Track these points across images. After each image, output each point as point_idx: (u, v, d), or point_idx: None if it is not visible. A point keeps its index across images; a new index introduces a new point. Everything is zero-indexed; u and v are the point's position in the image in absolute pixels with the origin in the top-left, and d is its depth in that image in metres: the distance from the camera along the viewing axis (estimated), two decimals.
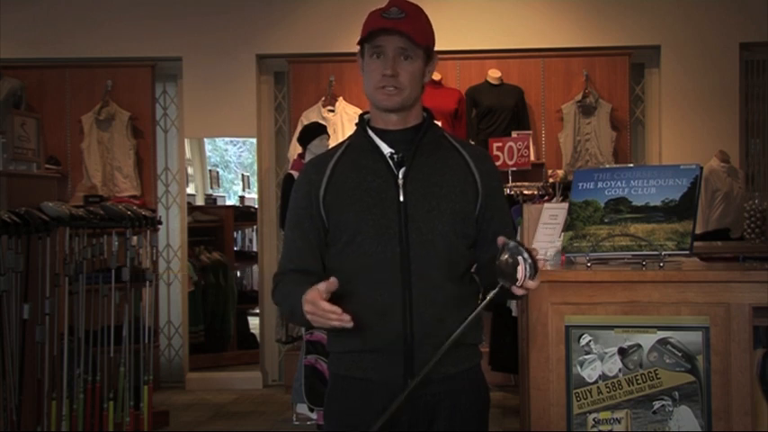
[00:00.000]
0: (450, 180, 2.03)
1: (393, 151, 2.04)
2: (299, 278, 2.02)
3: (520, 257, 1.80)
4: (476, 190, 2.04)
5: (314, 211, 2.05)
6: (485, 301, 1.89)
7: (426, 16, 2.05)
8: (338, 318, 1.84)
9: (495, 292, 1.87)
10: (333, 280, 1.87)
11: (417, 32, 1.98)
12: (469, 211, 2.03)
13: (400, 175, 2.01)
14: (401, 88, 2.00)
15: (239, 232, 8.03)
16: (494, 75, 6.55)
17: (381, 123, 2.07)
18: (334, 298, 2.05)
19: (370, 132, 2.08)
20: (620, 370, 2.58)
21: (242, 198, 8.60)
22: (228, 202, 8.42)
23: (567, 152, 6.57)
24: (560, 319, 2.61)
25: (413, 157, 2.03)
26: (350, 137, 2.15)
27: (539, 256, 1.84)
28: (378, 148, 2.05)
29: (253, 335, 7.41)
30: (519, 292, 1.84)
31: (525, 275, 1.80)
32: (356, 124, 2.14)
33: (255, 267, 7.47)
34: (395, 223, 1.99)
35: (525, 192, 5.74)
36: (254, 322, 7.46)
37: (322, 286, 1.86)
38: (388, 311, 1.97)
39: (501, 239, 1.85)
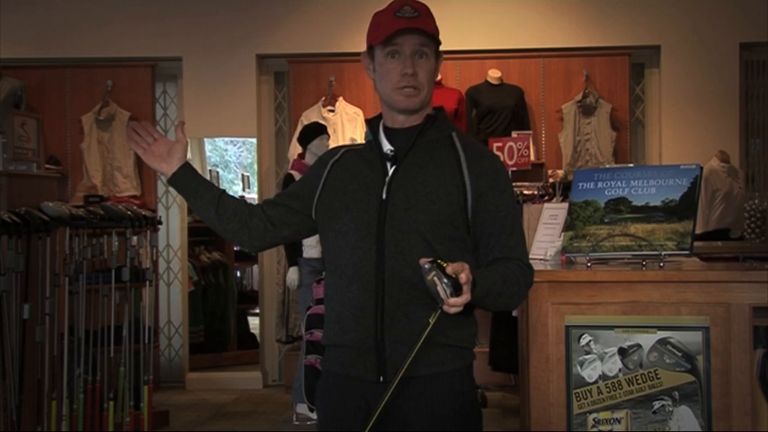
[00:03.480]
0: (435, 180, 2.00)
1: (391, 149, 2.04)
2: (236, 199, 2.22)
3: (436, 278, 1.78)
4: (463, 191, 2.00)
5: (312, 183, 2.12)
6: (429, 327, 1.84)
7: (433, 14, 2.06)
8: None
9: (436, 314, 1.83)
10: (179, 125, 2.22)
11: (433, 29, 2.00)
12: (452, 213, 1.99)
13: (389, 173, 2.02)
14: (419, 88, 2.00)
15: None
16: (494, 75, 6.55)
17: (390, 122, 2.08)
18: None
19: (380, 130, 2.09)
20: (620, 370, 2.57)
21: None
22: None
23: (567, 152, 6.57)
24: (560, 319, 2.61)
25: (405, 155, 2.03)
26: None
27: (462, 274, 1.78)
28: (380, 144, 2.07)
29: (253, 335, 7.42)
30: (451, 310, 1.80)
31: (447, 294, 1.78)
32: (369, 121, 2.15)
33: (255, 267, 7.47)
34: (374, 220, 1.99)
35: (525, 192, 5.74)
36: (254, 322, 7.47)
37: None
38: (361, 309, 1.98)
39: (422, 261, 1.83)
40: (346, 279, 2.00)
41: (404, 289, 1.96)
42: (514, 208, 2.10)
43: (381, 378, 1.97)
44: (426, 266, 1.80)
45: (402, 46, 1.99)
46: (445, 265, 1.79)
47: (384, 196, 1.99)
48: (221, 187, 2.48)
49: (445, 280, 1.77)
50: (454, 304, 1.79)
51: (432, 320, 1.84)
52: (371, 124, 2.12)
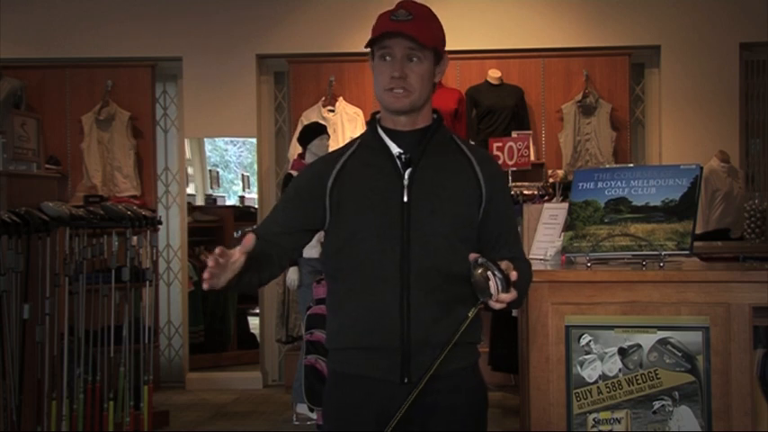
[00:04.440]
0: (454, 182, 2.03)
1: (402, 152, 2.04)
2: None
3: (490, 273, 1.81)
4: (479, 194, 2.04)
5: (314, 196, 2.06)
6: (468, 320, 1.89)
7: (435, 17, 2.05)
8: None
9: (475, 308, 1.88)
10: (250, 236, 1.81)
11: (423, 34, 1.98)
12: (472, 215, 2.04)
13: (406, 176, 2.02)
14: (410, 90, 2.00)
15: (239, 232, 8.02)
16: (494, 75, 6.55)
17: (391, 124, 2.07)
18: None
19: (381, 132, 2.08)
20: (620, 370, 2.57)
21: (242, 198, 8.59)
22: (228, 202, 8.41)
23: (567, 152, 6.57)
24: (560, 319, 2.61)
25: (419, 158, 2.03)
26: (361, 135, 2.15)
27: (512, 271, 1.83)
28: (387, 147, 2.06)
29: (253, 335, 7.41)
30: (496, 306, 1.83)
31: (498, 289, 1.81)
32: (367, 123, 2.14)
33: None
34: (397, 223, 1.99)
35: (525, 192, 5.74)
36: (254, 322, 7.46)
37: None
38: (386, 311, 1.97)
39: (472, 256, 1.86)
40: (366, 282, 2.00)
41: (429, 290, 1.98)
42: (513, 208, 2.19)
43: (406, 379, 1.97)
44: (479, 261, 1.83)
45: (393, 48, 1.99)
46: (498, 261, 1.83)
47: (405, 199, 2.00)
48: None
49: (499, 275, 1.80)
50: (503, 300, 1.82)
51: (471, 315, 1.88)
52: (370, 126, 2.11)
